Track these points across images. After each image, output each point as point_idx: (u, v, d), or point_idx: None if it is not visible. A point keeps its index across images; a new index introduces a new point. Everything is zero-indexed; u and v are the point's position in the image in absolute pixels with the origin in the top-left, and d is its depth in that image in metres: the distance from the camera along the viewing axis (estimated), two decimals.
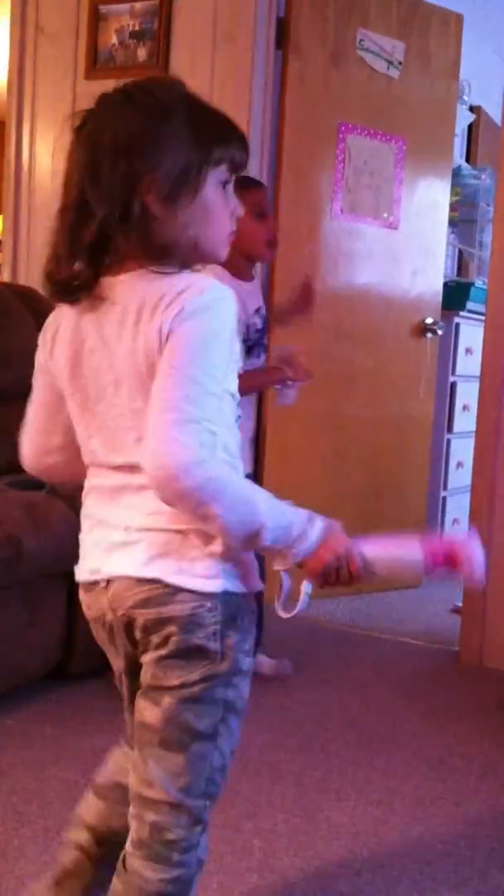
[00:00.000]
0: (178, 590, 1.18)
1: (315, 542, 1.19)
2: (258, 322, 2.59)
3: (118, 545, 1.22)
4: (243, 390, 2.23)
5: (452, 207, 4.39)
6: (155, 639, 1.20)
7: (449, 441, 4.16)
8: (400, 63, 3.67)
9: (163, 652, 1.20)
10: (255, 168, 3.34)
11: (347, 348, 3.65)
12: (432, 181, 3.85)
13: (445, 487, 4.17)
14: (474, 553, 1.23)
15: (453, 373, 4.14)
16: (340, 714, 2.58)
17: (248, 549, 1.19)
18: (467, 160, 4.94)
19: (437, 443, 4.08)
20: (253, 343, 2.58)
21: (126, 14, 3.48)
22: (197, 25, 3.37)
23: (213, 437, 1.11)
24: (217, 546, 1.18)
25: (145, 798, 1.22)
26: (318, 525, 1.20)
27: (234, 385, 1.21)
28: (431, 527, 4.10)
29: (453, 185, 4.32)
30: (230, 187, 1.25)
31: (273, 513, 1.16)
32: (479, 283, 4.28)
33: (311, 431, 3.59)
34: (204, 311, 1.14)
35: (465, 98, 4.66)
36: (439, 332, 3.87)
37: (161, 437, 1.10)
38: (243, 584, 1.22)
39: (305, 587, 1.23)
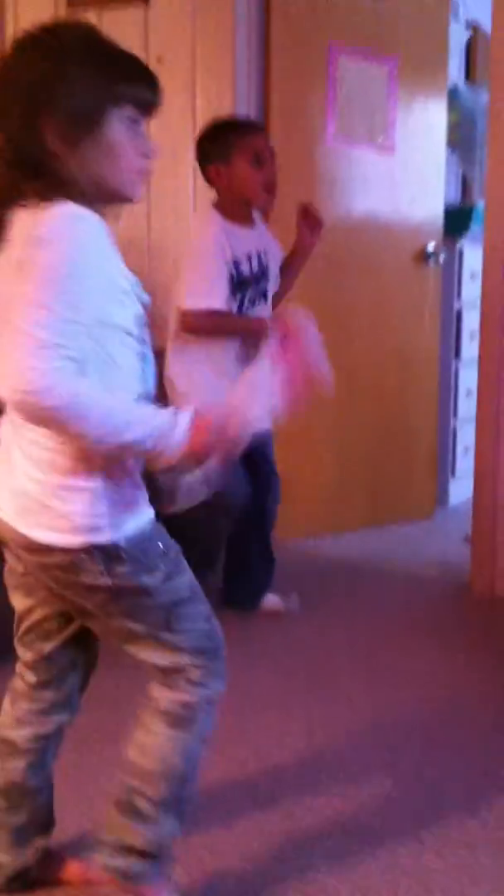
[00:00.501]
0: (50, 547, 1.27)
1: (184, 431, 1.23)
2: (248, 267, 2.52)
3: (4, 481, 1.30)
4: (225, 330, 2.14)
5: (451, 129, 4.26)
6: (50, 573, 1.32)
7: (457, 369, 4.08)
8: None
9: (63, 587, 1.32)
10: (243, 96, 3.24)
11: (346, 279, 3.56)
12: (428, 102, 3.73)
13: (455, 415, 4.10)
14: (301, 327, 1.36)
15: (458, 299, 4.04)
16: (349, 648, 2.56)
17: (124, 458, 1.26)
18: (467, 78, 4.78)
19: (445, 371, 4.00)
20: (242, 287, 2.51)
21: None
22: None
23: (70, 362, 1.13)
24: (88, 497, 1.25)
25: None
26: (184, 417, 1.23)
27: (120, 318, 1.24)
28: (442, 458, 4.04)
29: (452, 107, 4.19)
30: (141, 126, 1.27)
31: (139, 421, 1.20)
32: (481, 205, 4.16)
33: None
34: (55, 236, 1.16)
35: (461, 14, 4.50)
36: (441, 259, 3.77)
37: (11, 363, 1.12)
38: (123, 530, 1.28)
39: (186, 478, 1.34)
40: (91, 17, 3.38)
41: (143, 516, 1.33)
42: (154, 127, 3.40)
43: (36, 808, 1.49)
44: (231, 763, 1.93)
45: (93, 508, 1.26)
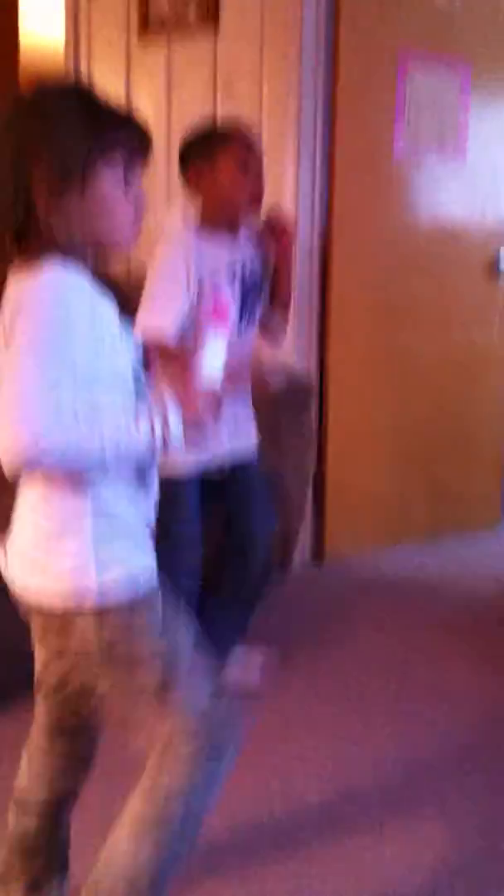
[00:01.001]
0: (45, 607, 1.31)
1: (180, 426, 1.27)
2: (225, 275, 2.36)
3: (14, 541, 1.36)
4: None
5: None
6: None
7: None
8: None
9: (57, 649, 1.36)
10: (310, 103, 3.28)
11: (414, 286, 3.58)
12: (501, 109, 3.70)
13: None
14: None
15: None
16: (388, 662, 2.60)
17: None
18: None
19: None
20: (247, 289, 2.41)
21: None
22: None
23: (54, 416, 1.17)
24: (75, 562, 1.28)
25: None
26: (173, 416, 1.26)
27: (115, 367, 1.27)
28: None
29: None
30: (133, 175, 1.29)
31: (134, 435, 1.23)
32: None
33: (376, 368, 3.55)
34: (38, 303, 1.19)
35: None
36: None
37: (4, 430, 1.17)
38: (111, 594, 1.29)
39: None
40: (161, 43, 3.50)
41: (139, 579, 1.32)
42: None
43: (51, 859, 1.53)
44: (257, 784, 2.00)
45: (85, 571, 1.28)
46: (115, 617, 1.29)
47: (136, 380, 1.33)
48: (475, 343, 3.76)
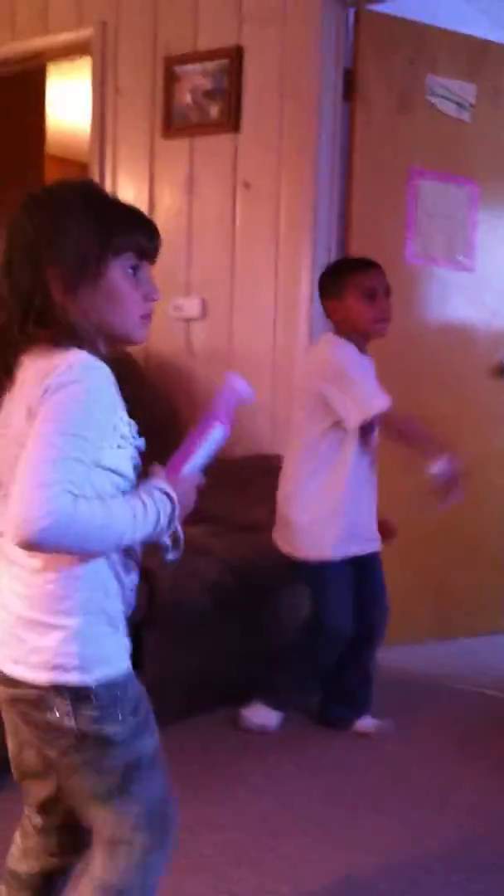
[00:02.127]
0: (18, 681, 1.31)
1: (175, 520, 1.34)
2: None
3: None
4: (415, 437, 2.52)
5: None
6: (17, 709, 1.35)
7: None
8: (471, 105, 3.65)
9: (27, 725, 1.35)
10: (324, 217, 3.37)
11: (422, 390, 3.62)
12: None
13: None
14: (234, 383, 1.50)
15: None
16: (398, 768, 2.58)
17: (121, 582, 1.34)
18: None
19: None
20: None
21: (199, 73, 3.57)
22: (265, 82, 3.44)
23: (69, 495, 1.20)
24: (60, 636, 1.29)
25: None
26: (175, 506, 1.33)
27: (117, 462, 1.31)
28: None
29: None
30: (142, 272, 1.36)
31: (140, 523, 1.28)
32: None
33: (387, 476, 3.58)
34: (69, 384, 1.24)
35: None
36: None
37: (18, 500, 1.20)
38: (94, 673, 1.30)
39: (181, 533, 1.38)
40: (183, 143, 3.61)
41: (119, 666, 1.34)
42: (239, 247, 3.62)
43: None
44: (263, 880, 1.97)
45: (66, 647, 1.29)
46: (93, 699, 1.30)
47: (132, 484, 1.36)
48: (482, 448, 3.79)
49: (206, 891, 1.94)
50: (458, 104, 3.63)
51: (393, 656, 3.46)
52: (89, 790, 1.35)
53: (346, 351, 2.66)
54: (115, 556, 1.34)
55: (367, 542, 2.77)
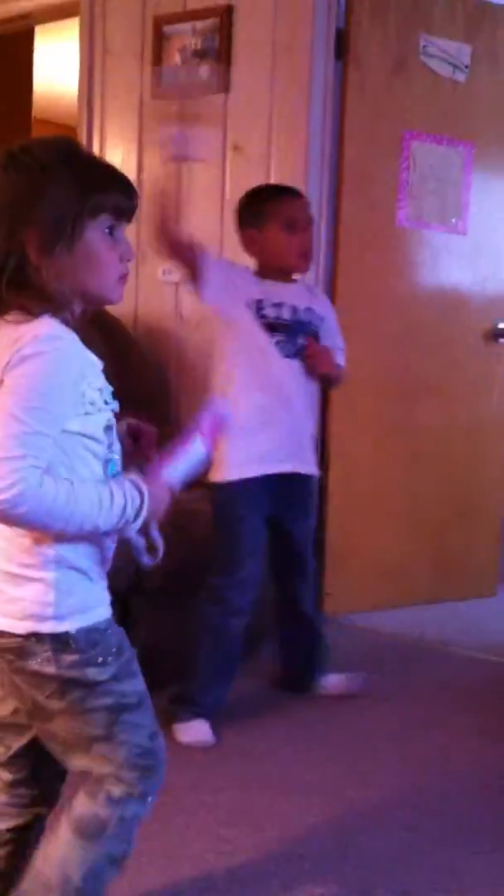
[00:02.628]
0: (1, 632, 1.33)
1: (142, 515, 1.34)
2: (274, 312, 2.51)
3: None
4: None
5: None
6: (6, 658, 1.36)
7: None
8: (466, 66, 3.61)
9: (14, 673, 1.36)
10: (316, 178, 3.33)
11: (416, 357, 3.62)
12: (503, 183, 3.78)
13: None
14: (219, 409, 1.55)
15: None
16: (394, 733, 2.58)
17: (97, 540, 1.35)
18: None
19: None
20: (273, 330, 2.51)
21: (188, 33, 3.52)
22: (256, 42, 3.38)
23: (34, 468, 1.23)
24: (37, 587, 1.32)
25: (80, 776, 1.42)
26: (144, 500, 1.34)
27: (89, 426, 1.32)
28: None
29: None
30: (119, 232, 1.35)
31: (106, 511, 1.29)
32: None
33: (379, 439, 3.58)
34: (33, 356, 1.24)
35: None
36: None
37: None
38: (71, 620, 1.33)
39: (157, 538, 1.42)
40: (173, 105, 3.55)
41: (96, 613, 1.37)
42: (229, 211, 3.57)
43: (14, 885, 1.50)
44: (252, 843, 1.97)
45: (42, 597, 1.32)
46: (73, 644, 1.33)
47: (108, 447, 1.38)
48: (476, 412, 3.78)
49: (204, 852, 1.94)
50: (454, 65, 3.58)
51: (387, 619, 3.48)
52: (76, 733, 1.37)
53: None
54: None
55: (281, 463, 2.55)
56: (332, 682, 2.77)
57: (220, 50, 3.45)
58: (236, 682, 2.62)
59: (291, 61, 3.32)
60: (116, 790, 1.38)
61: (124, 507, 1.31)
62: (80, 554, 1.34)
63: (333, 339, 2.66)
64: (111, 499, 1.30)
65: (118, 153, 3.70)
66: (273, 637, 2.82)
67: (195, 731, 2.45)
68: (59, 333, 1.28)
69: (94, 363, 1.35)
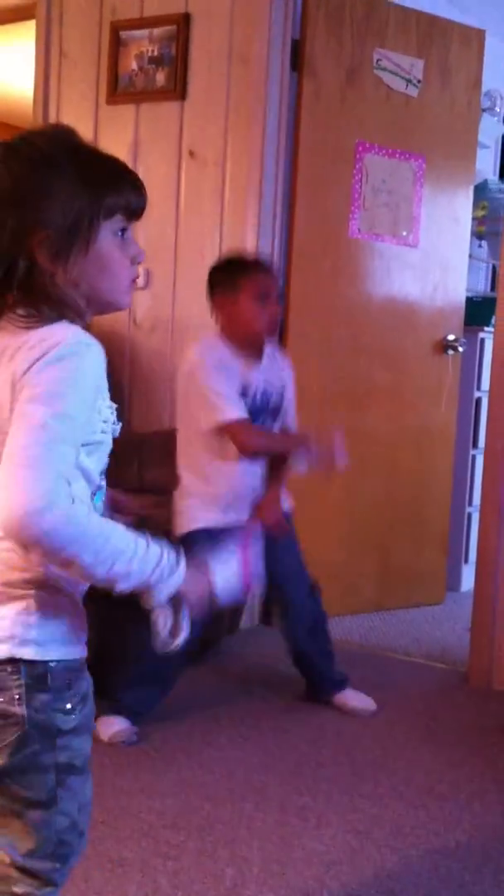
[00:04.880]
0: None
1: (176, 585, 1.20)
2: (250, 400, 2.57)
3: None
4: (263, 448, 2.25)
5: (480, 221, 4.38)
6: None
7: (474, 457, 4.15)
8: (419, 81, 3.66)
9: None
10: (270, 188, 3.36)
11: (366, 365, 3.66)
12: (453, 197, 3.84)
13: (471, 503, 4.16)
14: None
15: (478, 388, 4.12)
16: (336, 738, 2.60)
17: (111, 589, 1.16)
18: (502, 172, 4.90)
19: (462, 458, 4.07)
20: (256, 410, 2.59)
21: (145, 39, 3.53)
22: (213, 50, 3.41)
23: (65, 482, 1.09)
24: (19, 607, 1.18)
25: None
26: (181, 563, 1.21)
27: (92, 436, 1.19)
28: (455, 543, 4.09)
29: (480, 199, 4.31)
30: (129, 234, 1.25)
31: (138, 556, 1.15)
32: None
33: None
34: (60, 359, 1.13)
35: (497, 110, 4.63)
36: (461, 349, 3.86)
37: (8, 482, 1.07)
38: (53, 650, 1.20)
39: (185, 624, 1.24)
40: (129, 110, 3.57)
41: (77, 649, 1.24)
42: (183, 217, 3.57)
43: None
44: (198, 847, 1.98)
45: (25, 617, 1.18)
46: (49, 681, 1.19)
47: (101, 476, 1.27)
48: (424, 423, 3.83)
49: (148, 856, 1.94)
50: (407, 80, 3.63)
51: (334, 626, 3.49)
52: (18, 792, 1.20)
53: (211, 353, 2.57)
54: None
55: (229, 515, 2.59)
56: (347, 696, 2.81)
57: (176, 57, 3.47)
58: (183, 686, 2.63)
59: (247, 70, 3.35)
60: (19, 889, 1.22)
61: (160, 560, 1.17)
62: (71, 579, 1.21)
63: (289, 410, 2.74)
64: (147, 544, 1.16)
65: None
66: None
67: (109, 727, 2.47)
68: (88, 339, 1.17)
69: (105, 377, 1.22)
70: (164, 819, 2.10)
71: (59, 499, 1.07)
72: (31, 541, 1.09)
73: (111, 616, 2.75)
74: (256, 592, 1.29)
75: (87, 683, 1.26)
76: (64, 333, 1.15)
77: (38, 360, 1.12)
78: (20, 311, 1.17)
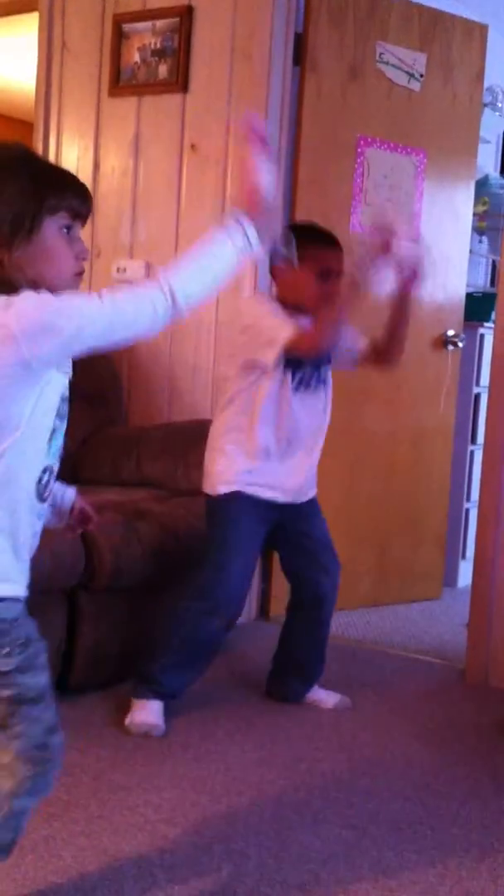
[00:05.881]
0: None
1: (252, 229, 1.52)
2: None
3: None
4: (329, 337, 2.45)
5: (481, 217, 4.37)
6: None
7: (472, 452, 4.15)
8: (421, 75, 3.66)
9: None
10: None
11: None
12: (454, 192, 3.83)
13: (469, 499, 4.16)
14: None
15: (477, 384, 4.12)
16: (333, 733, 2.60)
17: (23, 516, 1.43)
18: (503, 167, 4.90)
19: (460, 454, 4.07)
20: (293, 366, 2.52)
21: (148, 32, 3.52)
22: (215, 43, 3.40)
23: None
24: None
25: None
26: (245, 224, 1.51)
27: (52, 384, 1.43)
28: (453, 539, 4.10)
29: (481, 195, 4.30)
30: (75, 232, 1.45)
31: (219, 258, 1.50)
32: None
33: (328, 443, 3.59)
34: (26, 297, 1.36)
35: (499, 105, 4.63)
36: (460, 345, 3.85)
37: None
38: None
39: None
40: (131, 102, 3.56)
41: (13, 589, 1.43)
42: (184, 210, 3.58)
43: None
44: (194, 841, 1.99)
45: None
46: None
47: (61, 416, 1.47)
48: (422, 418, 3.83)
49: (144, 850, 1.95)
50: (409, 74, 3.63)
51: (332, 622, 3.50)
52: None
53: (257, 301, 2.64)
54: (31, 488, 1.43)
55: (274, 491, 2.59)
56: (320, 696, 2.79)
57: (179, 50, 3.46)
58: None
59: (250, 63, 3.34)
60: (6, 784, 1.45)
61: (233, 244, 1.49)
62: (12, 518, 1.40)
63: (349, 336, 2.65)
64: (217, 246, 1.48)
65: (75, 150, 3.69)
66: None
67: (147, 712, 2.50)
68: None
69: None
70: (160, 813, 2.10)
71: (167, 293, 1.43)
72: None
73: (148, 608, 2.78)
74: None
75: (25, 628, 1.44)
76: (21, 294, 1.38)
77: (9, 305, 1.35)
78: None
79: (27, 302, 1.35)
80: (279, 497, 2.60)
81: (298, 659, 2.78)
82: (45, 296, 1.37)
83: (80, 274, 1.46)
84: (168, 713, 2.57)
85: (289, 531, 2.68)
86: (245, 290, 3.35)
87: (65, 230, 1.42)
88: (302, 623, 2.76)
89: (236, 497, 2.56)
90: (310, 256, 2.47)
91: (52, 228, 1.41)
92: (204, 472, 2.65)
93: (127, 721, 2.49)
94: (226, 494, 2.57)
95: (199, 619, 2.55)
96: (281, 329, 2.44)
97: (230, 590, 2.57)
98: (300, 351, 2.45)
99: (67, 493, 1.66)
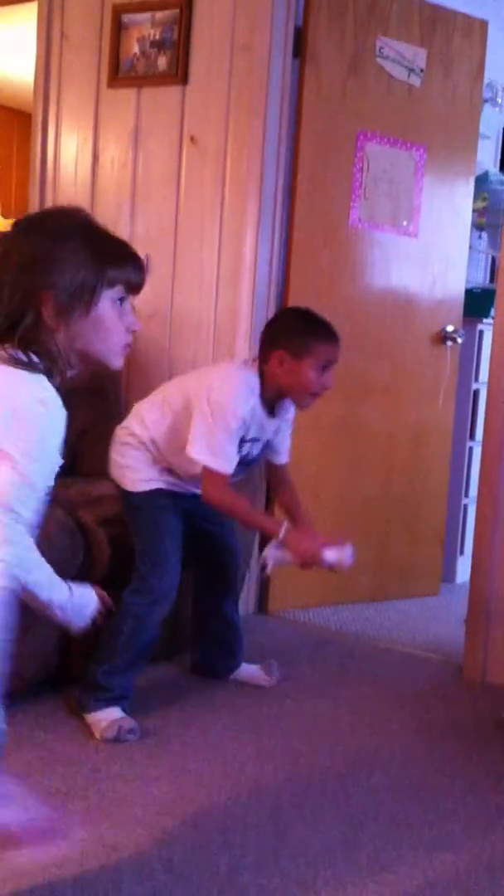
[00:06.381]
0: None
1: (93, 608, 1.69)
2: (248, 451, 2.57)
3: None
4: (224, 510, 2.55)
5: (480, 213, 4.36)
6: None
7: (471, 448, 4.14)
8: (422, 70, 3.65)
9: None
10: (270, 177, 3.34)
11: (364, 357, 3.64)
12: (454, 188, 3.82)
13: (467, 495, 4.15)
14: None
15: (476, 380, 4.11)
16: (331, 728, 2.60)
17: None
18: (503, 163, 4.88)
19: (459, 450, 4.07)
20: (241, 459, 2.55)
21: (147, 23, 3.50)
22: (215, 35, 3.38)
23: (21, 526, 1.40)
24: None
25: None
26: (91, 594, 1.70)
27: (49, 477, 1.45)
28: (451, 535, 4.09)
29: (481, 191, 4.29)
30: (127, 304, 1.46)
31: (63, 591, 1.62)
32: None
33: (327, 440, 3.60)
34: (37, 418, 1.37)
35: (499, 101, 4.61)
36: (459, 341, 3.85)
37: None
38: None
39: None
40: (130, 94, 3.54)
41: None
42: (183, 203, 3.55)
43: None
44: (191, 833, 1.98)
45: None
46: None
47: (47, 500, 1.49)
48: (422, 415, 3.83)
49: (142, 844, 1.94)
50: (409, 69, 3.62)
51: (331, 615, 3.52)
52: None
53: (245, 402, 2.50)
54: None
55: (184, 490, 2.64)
56: (249, 671, 2.84)
57: (178, 41, 3.44)
58: (178, 673, 2.62)
59: (250, 56, 3.32)
60: None
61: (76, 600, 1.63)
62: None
63: (282, 445, 2.76)
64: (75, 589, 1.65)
65: (74, 141, 3.67)
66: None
67: (111, 717, 2.44)
68: (52, 396, 1.39)
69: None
70: (158, 807, 2.09)
71: (12, 536, 1.42)
72: None
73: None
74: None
75: None
76: (41, 393, 1.39)
77: (17, 411, 1.37)
78: (8, 350, 1.38)
79: (28, 429, 1.38)
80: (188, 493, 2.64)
81: (217, 636, 2.84)
82: (44, 438, 1.40)
83: (127, 346, 1.48)
84: (165, 706, 2.55)
85: (196, 527, 2.70)
86: (244, 288, 3.34)
87: (118, 302, 1.44)
88: (208, 604, 2.82)
89: (155, 492, 2.62)
90: (315, 351, 2.50)
91: (107, 301, 1.42)
92: (115, 464, 2.67)
93: (98, 736, 2.40)
94: (147, 491, 2.62)
95: (142, 611, 2.52)
96: (218, 458, 2.46)
97: (167, 576, 2.57)
98: (205, 487, 2.50)
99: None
